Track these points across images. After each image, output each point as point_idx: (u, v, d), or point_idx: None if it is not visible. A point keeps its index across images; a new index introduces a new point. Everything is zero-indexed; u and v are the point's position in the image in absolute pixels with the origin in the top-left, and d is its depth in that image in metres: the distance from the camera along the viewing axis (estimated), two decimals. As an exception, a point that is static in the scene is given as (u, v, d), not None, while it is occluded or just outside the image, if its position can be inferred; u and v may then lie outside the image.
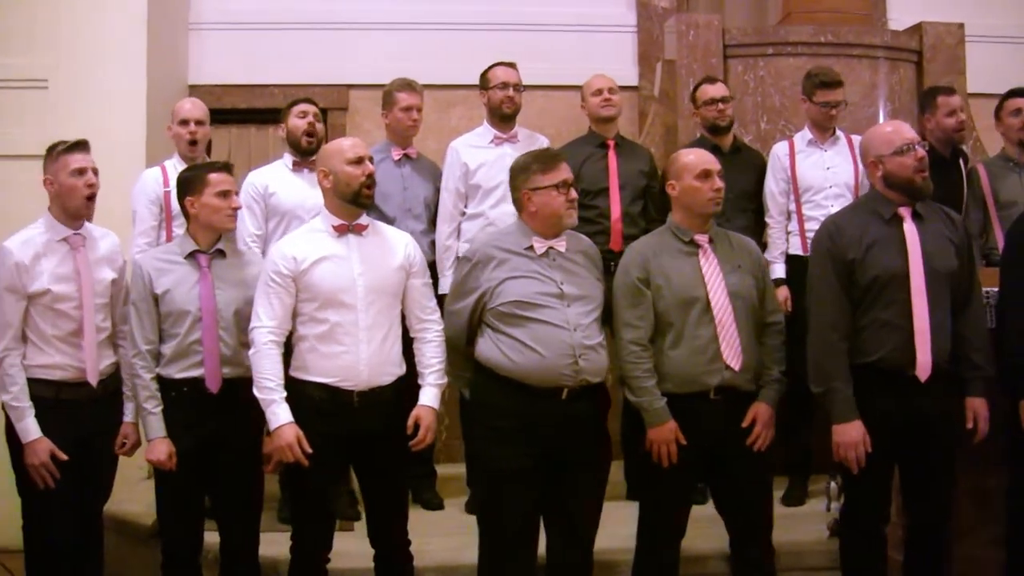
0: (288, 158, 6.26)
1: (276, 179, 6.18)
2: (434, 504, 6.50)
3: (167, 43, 8.26)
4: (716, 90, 6.70)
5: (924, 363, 4.65)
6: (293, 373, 4.78)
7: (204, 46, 8.72)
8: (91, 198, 5.10)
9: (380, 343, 4.78)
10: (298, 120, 6.23)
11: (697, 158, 4.92)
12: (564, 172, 4.76)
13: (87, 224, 5.18)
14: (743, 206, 6.47)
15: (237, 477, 4.96)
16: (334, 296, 4.73)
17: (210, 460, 4.88)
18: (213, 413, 4.87)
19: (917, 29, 8.07)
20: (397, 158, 6.51)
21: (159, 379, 4.88)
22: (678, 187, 4.88)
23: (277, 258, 4.79)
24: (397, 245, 4.97)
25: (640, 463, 4.93)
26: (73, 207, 5.06)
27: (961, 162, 6.68)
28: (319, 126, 6.29)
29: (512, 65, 6.65)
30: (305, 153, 6.18)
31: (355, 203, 4.83)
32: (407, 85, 6.58)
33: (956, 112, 6.56)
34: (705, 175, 4.83)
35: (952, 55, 8.02)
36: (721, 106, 6.63)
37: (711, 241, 4.89)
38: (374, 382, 4.76)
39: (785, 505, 6.26)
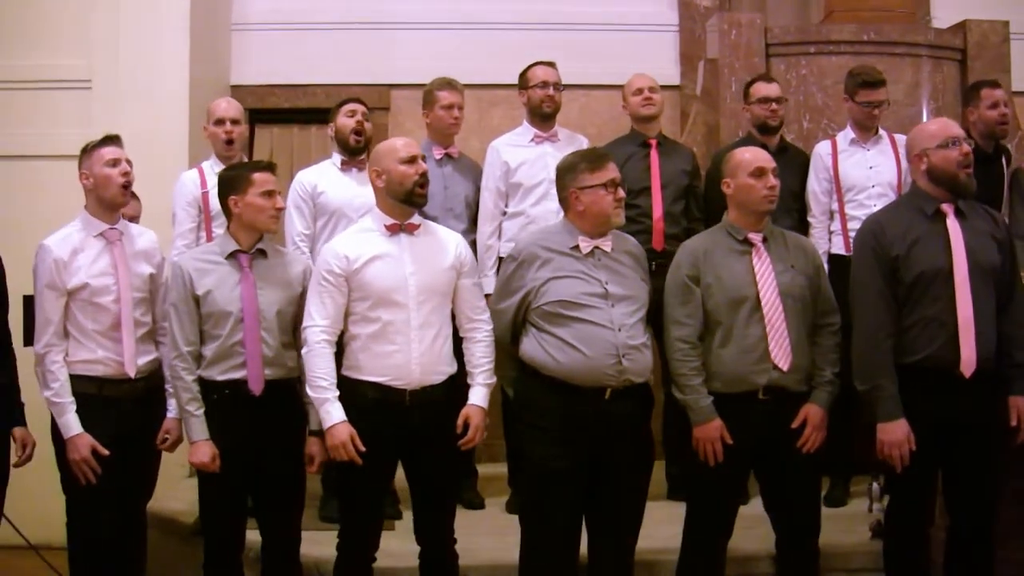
0: (337, 157, 6.27)
1: (325, 178, 6.18)
2: (475, 504, 6.51)
3: (209, 44, 8.31)
4: (771, 89, 6.66)
5: (968, 359, 4.62)
6: (345, 372, 4.79)
7: (246, 46, 8.75)
8: (127, 187, 5.13)
9: (431, 342, 4.78)
10: (347, 119, 6.23)
11: (752, 156, 4.93)
12: (612, 171, 4.76)
13: (124, 221, 5.21)
14: (788, 206, 6.41)
15: (280, 477, 4.95)
16: (386, 295, 4.74)
17: (253, 460, 4.87)
18: (255, 414, 4.85)
19: (961, 27, 8.02)
20: (438, 157, 6.50)
21: (201, 381, 4.87)
22: (733, 185, 4.88)
23: (330, 257, 4.81)
24: (448, 245, 4.97)
25: (686, 462, 4.94)
26: (109, 196, 5.10)
27: (1004, 159, 6.65)
28: (367, 125, 6.28)
29: (552, 64, 6.64)
30: (353, 152, 6.19)
31: (408, 202, 4.84)
32: (448, 84, 6.58)
33: (999, 104, 6.54)
34: (760, 172, 4.83)
35: (997, 53, 7.97)
36: (775, 106, 6.60)
37: (765, 240, 4.89)
38: (426, 381, 4.77)
39: (827, 506, 6.20)
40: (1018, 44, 8.12)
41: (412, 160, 4.82)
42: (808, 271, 4.92)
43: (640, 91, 6.66)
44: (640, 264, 4.91)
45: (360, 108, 6.30)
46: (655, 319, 4.90)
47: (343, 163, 6.22)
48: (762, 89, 6.67)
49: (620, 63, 8.03)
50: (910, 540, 4.89)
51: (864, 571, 5.50)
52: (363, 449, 4.63)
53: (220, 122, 6.27)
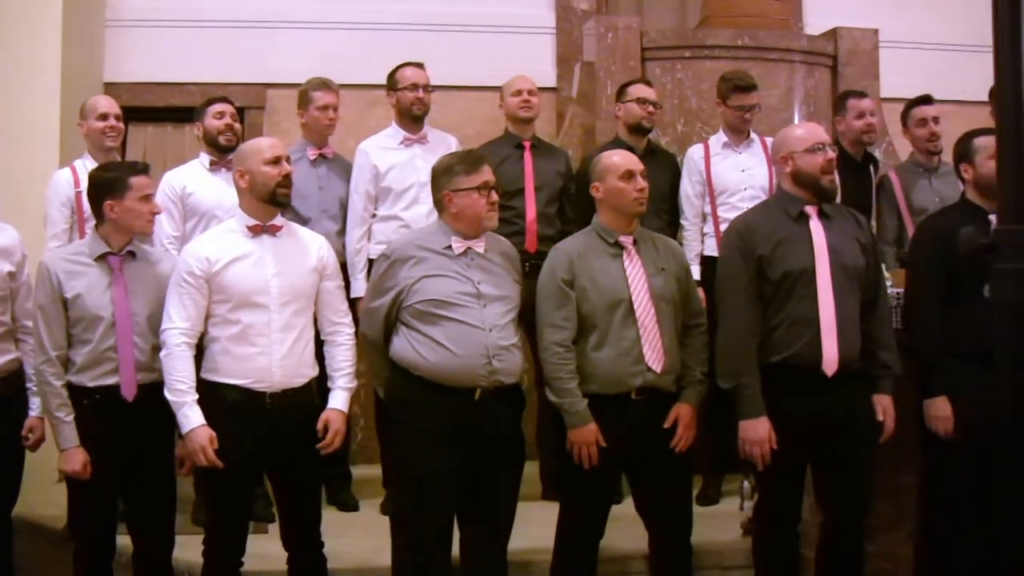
0: (205, 158, 6.20)
1: (193, 179, 6.12)
2: (350, 505, 6.46)
3: (83, 39, 8.13)
4: (650, 91, 6.71)
5: (831, 358, 4.69)
6: (205, 375, 4.74)
7: (121, 43, 8.59)
8: None
9: (293, 344, 4.75)
10: (215, 121, 6.17)
11: (621, 159, 4.95)
12: (486, 174, 4.76)
13: None
14: (658, 208, 6.45)
15: (152, 482, 4.89)
16: (248, 297, 4.70)
17: (124, 465, 4.80)
18: (128, 419, 4.78)
19: (833, 34, 8.16)
20: (313, 158, 6.47)
21: (70, 386, 4.78)
22: (602, 188, 4.90)
23: (190, 259, 4.75)
24: (311, 247, 4.95)
25: (560, 464, 4.93)
26: None
27: (872, 167, 6.79)
28: (236, 125, 6.24)
29: (420, 65, 6.63)
30: (223, 151, 6.13)
31: (272, 203, 4.80)
32: (323, 84, 6.55)
33: (865, 114, 6.72)
34: (629, 176, 4.85)
35: (867, 60, 8.12)
36: (652, 108, 6.64)
37: (636, 243, 4.91)
38: (287, 384, 4.74)
39: (700, 504, 6.28)
40: (888, 52, 8.29)
41: (276, 161, 4.79)
42: (678, 273, 4.97)
43: (519, 93, 6.69)
44: (513, 265, 4.91)
45: (228, 109, 6.25)
46: (528, 320, 4.91)
47: (212, 163, 6.17)
48: (641, 90, 6.70)
49: (499, 65, 8.04)
50: (778, 536, 4.94)
51: (737, 568, 5.54)
52: (216, 455, 4.59)
53: (103, 117, 6.17)
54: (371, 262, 6.07)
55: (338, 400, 4.91)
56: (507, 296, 4.78)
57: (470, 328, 4.63)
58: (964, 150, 5.14)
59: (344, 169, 6.59)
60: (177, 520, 5.12)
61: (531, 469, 5.19)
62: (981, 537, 4.88)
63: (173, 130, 8.66)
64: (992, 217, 4.75)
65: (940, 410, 4.92)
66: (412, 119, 6.56)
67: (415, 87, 6.52)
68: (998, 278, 2.26)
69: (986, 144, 4.97)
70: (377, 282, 4.83)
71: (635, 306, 4.78)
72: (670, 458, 4.85)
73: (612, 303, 4.78)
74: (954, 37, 9.16)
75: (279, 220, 4.87)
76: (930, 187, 6.69)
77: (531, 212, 6.40)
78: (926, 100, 6.84)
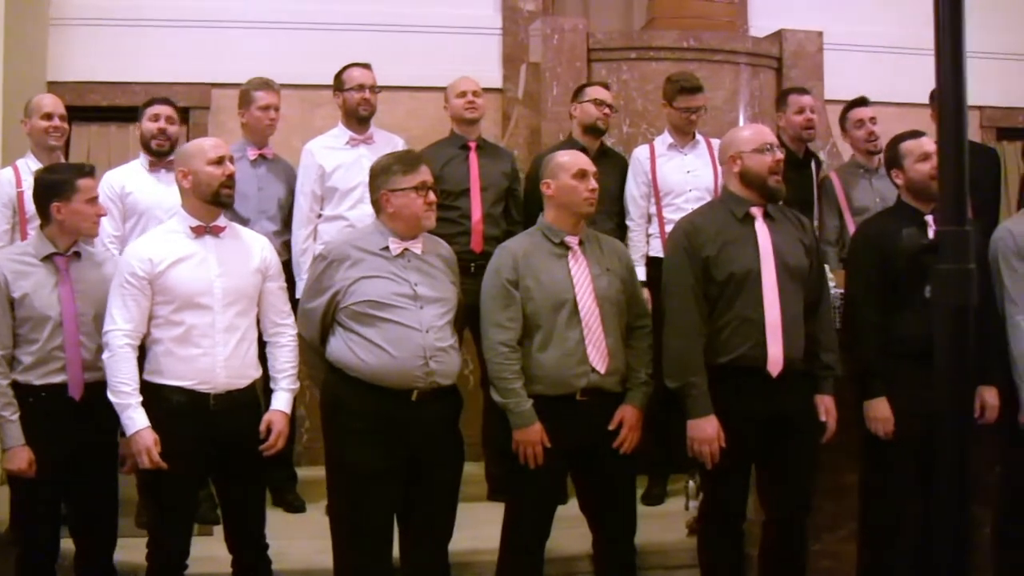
0: (144, 158, 6.17)
1: (133, 179, 6.09)
2: (296, 507, 6.44)
3: (26, 39, 8.05)
4: (605, 93, 6.74)
5: (775, 358, 4.72)
6: (148, 377, 4.70)
7: (65, 42, 8.50)
8: None
9: (236, 346, 4.73)
10: (150, 124, 6.14)
11: (573, 158, 4.97)
12: (424, 174, 4.76)
13: None
14: (609, 209, 6.49)
15: (95, 483, 4.87)
16: (191, 298, 4.67)
17: (68, 464, 4.77)
18: (74, 418, 4.76)
19: (778, 36, 8.23)
20: (253, 158, 6.45)
21: (16, 384, 4.74)
22: (554, 186, 4.90)
23: (132, 259, 4.72)
24: (254, 248, 4.93)
25: (506, 464, 4.94)
26: None
27: (814, 164, 6.84)
28: (172, 129, 6.19)
29: (367, 66, 6.63)
30: (157, 154, 6.11)
31: (215, 203, 4.78)
32: (265, 84, 6.53)
33: (805, 110, 6.78)
34: (582, 175, 4.87)
35: (812, 62, 8.20)
36: (607, 110, 6.66)
37: (581, 243, 4.92)
38: (231, 385, 4.72)
39: (645, 504, 6.31)
40: (832, 54, 8.36)
41: (220, 161, 4.78)
42: (623, 274, 4.99)
43: (464, 94, 6.69)
44: (450, 267, 4.91)
45: (165, 111, 6.21)
46: (474, 321, 4.91)
47: (151, 164, 6.13)
48: (599, 91, 6.72)
49: (445, 65, 8.04)
50: (723, 535, 4.97)
51: (682, 568, 5.57)
52: (160, 457, 4.56)
53: (48, 116, 6.11)
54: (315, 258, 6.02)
55: (281, 401, 4.90)
56: (444, 298, 4.78)
57: (407, 329, 4.62)
58: (892, 155, 5.19)
59: (284, 170, 6.58)
60: (120, 522, 5.08)
61: (477, 470, 5.20)
62: (921, 535, 4.94)
63: (117, 130, 8.56)
64: (928, 218, 4.81)
65: (880, 411, 4.97)
66: (358, 120, 6.55)
67: (361, 88, 6.52)
68: (939, 279, 2.29)
69: (912, 148, 5.03)
70: (314, 283, 4.82)
71: (580, 307, 4.79)
72: (615, 459, 4.87)
73: (557, 303, 4.78)
74: (897, 40, 9.24)
75: (222, 221, 4.86)
76: (871, 187, 6.75)
77: (477, 213, 6.40)
78: (862, 102, 6.92)
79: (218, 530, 5.36)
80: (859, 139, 6.83)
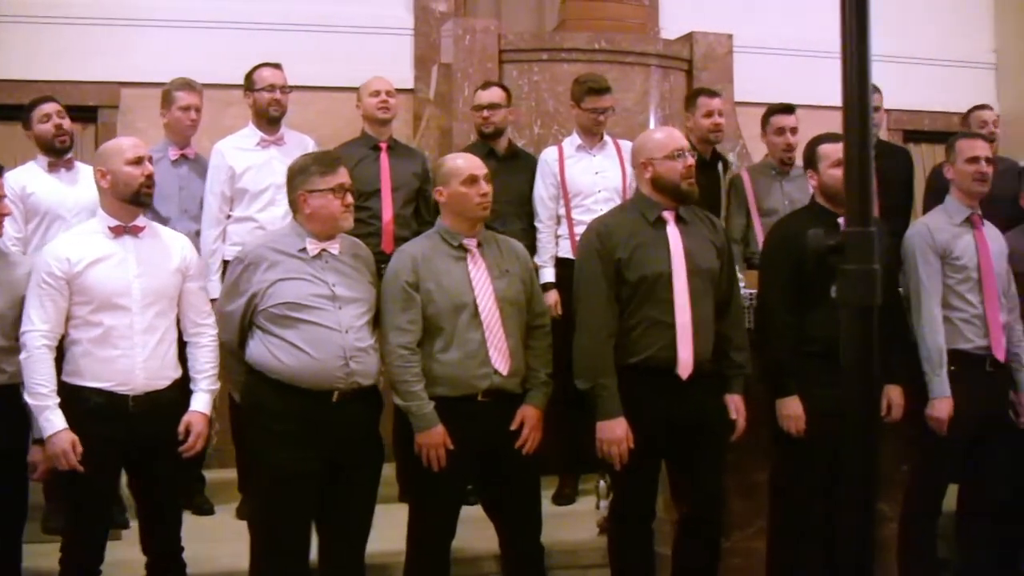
0: (42, 159, 6.09)
1: (33, 179, 6.01)
2: (205, 509, 6.41)
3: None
4: (485, 96, 6.75)
5: (685, 360, 4.76)
6: (66, 379, 4.64)
7: (-31, 40, 8.43)
8: None
9: (156, 346, 4.69)
10: (43, 125, 6.07)
11: (464, 163, 4.96)
12: (342, 176, 4.73)
13: None
14: (519, 210, 6.52)
15: (3, 489, 4.79)
16: (110, 299, 4.62)
17: None
18: None
19: (688, 39, 8.30)
20: (175, 158, 6.40)
21: None
22: (445, 193, 4.90)
23: (50, 259, 4.65)
24: (174, 247, 4.89)
25: (410, 466, 4.94)
26: None
27: (721, 165, 6.89)
28: (66, 123, 6.12)
29: (278, 66, 6.60)
30: (60, 153, 6.04)
31: (134, 203, 4.73)
32: (186, 84, 6.49)
33: (713, 114, 6.80)
34: (472, 180, 4.86)
35: (722, 65, 8.27)
36: (487, 113, 6.67)
37: (480, 245, 4.92)
38: (150, 386, 4.67)
39: (556, 504, 6.34)
40: (741, 56, 8.44)
41: (139, 161, 4.73)
42: (522, 275, 5.00)
43: (377, 93, 6.68)
44: (367, 267, 4.89)
45: (54, 109, 6.13)
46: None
47: (50, 164, 6.06)
48: (479, 96, 6.77)
49: (356, 66, 8.04)
50: (634, 534, 5.00)
51: (593, 567, 5.60)
52: (78, 461, 4.50)
53: None
54: (226, 263, 5.99)
55: (200, 402, 4.85)
56: (362, 298, 4.76)
57: (326, 330, 4.60)
58: (809, 157, 5.26)
59: (205, 170, 6.51)
60: (28, 528, 5.01)
61: (388, 471, 5.18)
62: (829, 532, 5.01)
63: (22, 129, 8.43)
64: (841, 220, 4.87)
65: (791, 409, 5.03)
66: (269, 120, 6.51)
67: (272, 87, 6.48)
68: (844, 279, 2.32)
69: (829, 152, 5.10)
70: (231, 286, 4.78)
71: (480, 309, 4.79)
72: (517, 460, 4.88)
73: (457, 306, 4.79)
74: (807, 43, 9.35)
75: (141, 220, 4.81)
76: (780, 190, 6.82)
77: (387, 213, 6.40)
78: (787, 109, 6.94)
79: (127, 534, 5.34)
80: (776, 145, 6.88)
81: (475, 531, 5.32)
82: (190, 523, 5.11)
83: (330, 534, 4.81)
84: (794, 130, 6.84)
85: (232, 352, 4.84)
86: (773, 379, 5.11)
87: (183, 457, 4.82)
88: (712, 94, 7.00)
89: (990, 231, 5.54)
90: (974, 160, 5.45)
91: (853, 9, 2.35)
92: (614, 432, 4.73)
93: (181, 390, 4.86)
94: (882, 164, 6.94)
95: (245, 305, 4.68)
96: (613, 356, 4.79)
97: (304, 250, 4.69)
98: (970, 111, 7.72)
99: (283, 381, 4.61)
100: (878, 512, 5.50)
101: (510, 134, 6.91)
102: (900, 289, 5.47)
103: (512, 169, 6.55)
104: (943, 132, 9.17)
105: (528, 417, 4.89)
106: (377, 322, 4.85)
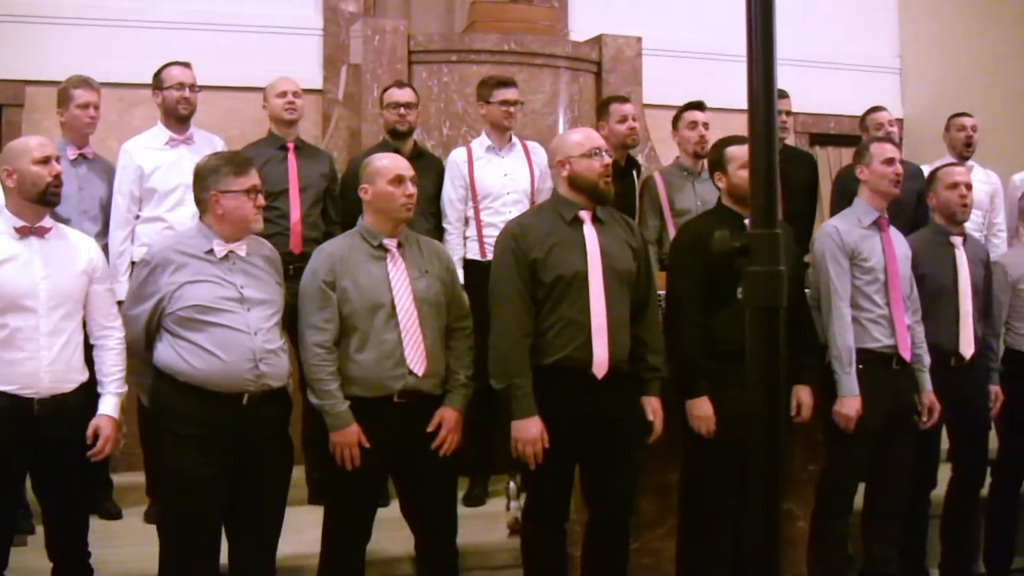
0: None
1: None
2: (112, 513, 6.30)
3: None
4: (401, 95, 6.72)
5: (600, 360, 4.77)
6: None
7: None
8: None
9: (62, 349, 4.62)
10: None
11: (391, 163, 4.95)
12: (254, 178, 4.71)
13: None
14: (425, 211, 6.50)
15: None
16: (15, 300, 4.53)
17: None
18: None
19: (597, 41, 8.32)
20: (73, 158, 6.25)
21: None
22: (371, 191, 4.88)
23: None
24: (80, 249, 4.82)
25: (324, 467, 4.91)
26: None
27: (635, 171, 6.93)
28: None
29: (187, 64, 6.51)
30: None
31: (41, 203, 4.67)
32: (84, 82, 6.36)
33: (628, 119, 6.84)
34: (399, 180, 4.86)
35: (630, 67, 8.31)
36: (403, 111, 6.64)
37: (400, 246, 4.91)
38: (56, 389, 4.60)
39: (466, 506, 6.33)
40: (650, 59, 8.48)
41: (46, 160, 4.66)
42: (442, 276, 5.00)
43: (284, 94, 6.64)
44: (275, 268, 4.86)
45: None
46: (292, 323, 4.88)
47: None
48: (393, 94, 6.73)
49: (265, 65, 8.03)
50: (546, 535, 5.00)
51: (504, 568, 5.61)
52: None
53: None
54: (135, 264, 5.91)
55: (108, 406, 4.79)
56: (270, 299, 4.73)
57: (235, 333, 4.56)
58: (717, 159, 5.30)
59: (105, 170, 6.41)
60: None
61: (297, 473, 5.15)
62: (739, 531, 5.06)
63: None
64: (747, 222, 4.91)
65: (702, 410, 5.06)
66: (177, 119, 6.44)
67: (181, 86, 6.40)
68: (749, 280, 2.34)
69: (737, 154, 5.14)
70: (138, 289, 4.72)
71: (397, 309, 4.78)
72: (434, 461, 4.87)
73: (374, 305, 4.77)
74: (714, 47, 9.46)
75: (47, 221, 4.73)
76: (693, 191, 6.86)
77: (295, 214, 6.36)
78: (699, 106, 7.01)
79: (32, 539, 5.27)
80: (689, 140, 6.92)
81: (390, 532, 5.32)
82: (97, 527, 5.06)
83: (240, 537, 4.76)
84: (706, 125, 6.90)
85: (139, 355, 4.79)
86: (683, 380, 5.14)
87: (91, 461, 4.75)
88: (623, 100, 7.05)
89: (896, 234, 5.62)
90: (890, 162, 5.53)
91: (758, 12, 2.36)
92: (529, 432, 4.73)
93: (89, 393, 4.80)
94: (786, 169, 7.08)
95: (152, 308, 4.63)
96: (528, 356, 4.80)
97: (211, 252, 4.65)
98: (867, 113, 7.85)
99: (191, 384, 4.56)
100: (787, 511, 5.61)
101: (418, 135, 6.90)
102: (807, 290, 5.54)
103: (418, 170, 6.50)
104: (849, 135, 9.33)
105: (447, 419, 4.89)
106: (287, 323, 4.83)
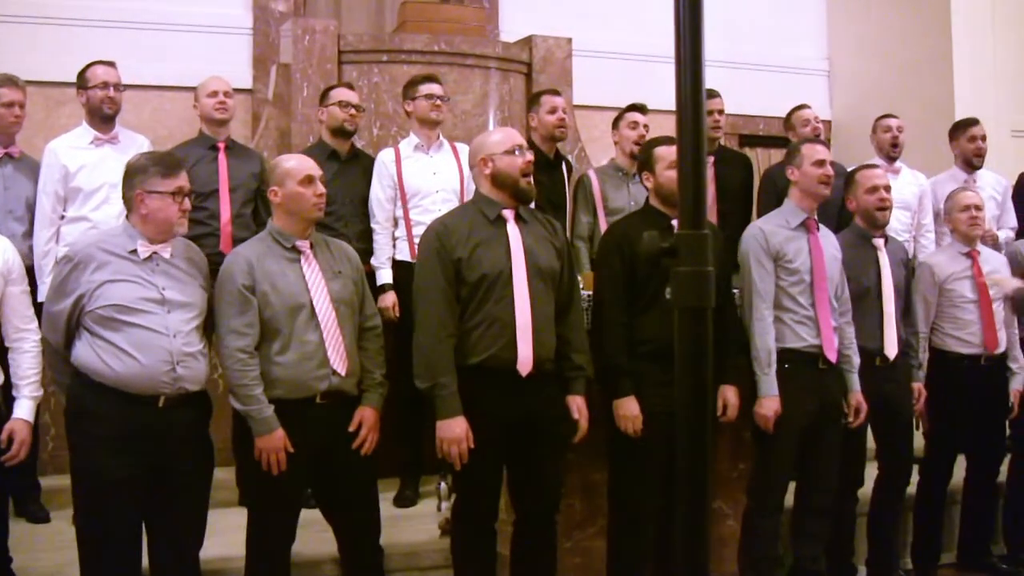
0: None
1: None
2: (40, 517, 6.25)
3: None
4: (352, 96, 6.73)
5: (525, 358, 4.78)
6: None
7: None
8: None
9: None
10: None
11: (299, 163, 4.93)
12: (182, 180, 4.67)
13: None
14: (360, 211, 6.50)
15: None
16: None
17: None
18: None
19: (528, 42, 8.35)
20: (-2, 156, 6.24)
21: None
22: (280, 193, 4.86)
23: None
24: None
25: (249, 470, 4.88)
26: None
27: (564, 165, 6.95)
28: None
29: (112, 64, 6.48)
30: None
31: None
32: (9, 80, 6.30)
33: (557, 110, 6.87)
34: (308, 181, 4.84)
35: (561, 68, 8.33)
36: (353, 111, 6.64)
37: (312, 247, 4.90)
38: None
39: (397, 506, 6.32)
40: (580, 60, 8.50)
41: None
42: (353, 276, 5.01)
43: (215, 94, 6.62)
44: (200, 271, 4.82)
45: None
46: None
47: None
48: (344, 93, 6.71)
49: (193, 64, 8.00)
50: (476, 535, 5.01)
51: (435, 568, 5.62)
52: None
53: None
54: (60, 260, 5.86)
55: (23, 410, 4.76)
56: (193, 302, 4.69)
57: (153, 334, 4.52)
58: (645, 159, 5.33)
59: (31, 169, 6.37)
60: None
61: (227, 475, 5.12)
62: (666, 529, 5.09)
63: None
64: (675, 222, 4.96)
65: (629, 409, 5.09)
66: (102, 118, 6.40)
67: (106, 85, 6.36)
68: (677, 281, 2.35)
69: (665, 154, 5.18)
70: (59, 285, 4.65)
71: (316, 310, 4.77)
72: (355, 461, 4.88)
73: (293, 307, 4.76)
74: (645, 47, 9.53)
75: None
76: (627, 191, 6.92)
77: (226, 214, 6.35)
78: (641, 108, 7.08)
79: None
80: (628, 139, 6.97)
81: (314, 534, 5.32)
82: (24, 531, 5.01)
83: (160, 539, 4.72)
84: (647, 127, 6.97)
85: (58, 354, 4.73)
86: (609, 380, 5.17)
87: (6, 466, 4.71)
88: (554, 92, 7.08)
89: (825, 235, 5.67)
90: (821, 163, 5.56)
91: (687, 14, 2.38)
92: (453, 431, 4.73)
93: (3, 396, 4.75)
94: (722, 170, 7.14)
95: (72, 305, 4.57)
96: (452, 355, 4.79)
97: (135, 252, 4.60)
98: (792, 112, 7.94)
99: (108, 385, 4.52)
100: (717, 510, 5.66)
101: (350, 136, 6.90)
102: (736, 291, 5.57)
103: (354, 171, 6.54)
104: (777, 137, 9.41)
105: (366, 418, 4.90)
106: (208, 326, 4.80)
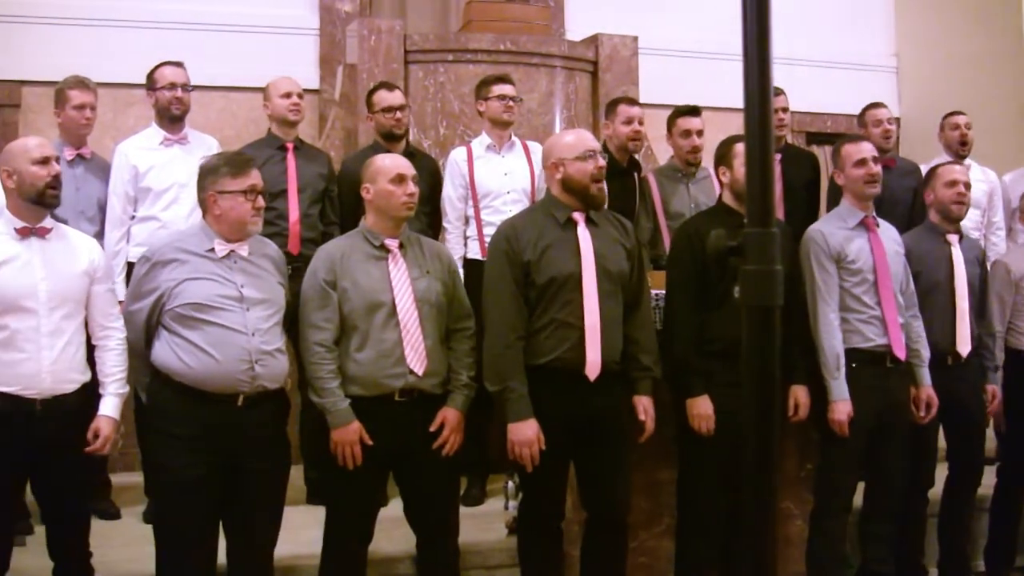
0: None
1: None
2: (110, 514, 6.30)
3: None
4: (393, 98, 6.67)
5: (593, 362, 4.77)
6: None
7: None
8: None
9: (63, 350, 4.60)
10: None
11: (392, 162, 4.95)
12: (254, 178, 4.70)
13: None
14: (419, 211, 6.47)
15: None
16: (15, 301, 4.52)
17: None
18: None
19: (593, 40, 8.33)
20: (70, 158, 6.24)
21: None
22: (372, 190, 4.88)
23: None
24: (81, 250, 4.80)
25: (325, 465, 4.89)
26: None
27: (636, 172, 6.90)
28: None
29: (180, 64, 6.50)
30: None
31: (40, 204, 4.66)
32: (80, 83, 6.35)
33: (633, 121, 6.76)
34: (400, 179, 4.85)
35: (626, 66, 8.31)
36: (399, 114, 6.62)
37: (402, 246, 4.90)
38: (57, 390, 4.58)
39: (464, 505, 6.30)
40: (646, 58, 8.47)
41: (45, 161, 4.66)
42: (444, 277, 4.99)
43: (288, 95, 6.64)
44: (278, 268, 4.85)
45: None
46: (291, 323, 4.87)
47: None
48: (385, 98, 6.66)
49: (260, 65, 8.02)
50: (543, 535, 5.01)
51: (502, 567, 5.62)
52: None
53: None
54: (130, 265, 5.91)
55: (109, 407, 4.77)
56: (271, 299, 4.71)
57: (232, 332, 4.54)
58: (723, 154, 5.30)
59: (102, 170, 6.40)
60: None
61: (295, 473, 5.15)
62: (734, 529, 5.07)
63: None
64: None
65: (701, 408, 5.06)
66: (171, 119, 6.42)
67: (173, 86, 6.39)
68: (744, 280, 2.33)
69: (743, 150, 5.12)
70: (137, 285, 4.71)
71: (397, 308, 4.77)
72: (435, 461, 4.86)
73: (372, 305, 4.77)
74: (711, 45, 9.47)
75: (48, 222, 4.72)
76: (687, 192, 6.84)
77: (294, 214, 6.36)
78: (693, 112, 6.91)
79: (31, 540, 5.26)
80: (682, 147, 6.85)
81: (391, 531, 5.33)
82: (96, 528, 5.04)
83: (237, 537, 4.75)
84: (700, 132, 6.83)
85: (137, 353, 4.78)
86: (679, 379, 5.14)
87: (91, 460, 4.75)
88: (632, 102, 6.94)
89: (886, 232, 5.60)
90: (862, 163, 5.50)
91: (754, 11, 2.36)
92: (525, 434, 4.73)
93: (90, 394, 4.78)
94: (788, 168, 7.06)
95: (151, 305, 4.62)
96: (522, 358, 4.80)
97: (212, 250, 4.64)
98: (864, 110, 7.80)
99: (187, 384, 4.55)
100: (784, 510, 5.61)
101: (414, 134, 6.89)
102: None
103: (410, 170, 6.56)
104: (845, 134, 9.30)
105: (449, 419, 4.89)
106: (287, 324, 4.83)
